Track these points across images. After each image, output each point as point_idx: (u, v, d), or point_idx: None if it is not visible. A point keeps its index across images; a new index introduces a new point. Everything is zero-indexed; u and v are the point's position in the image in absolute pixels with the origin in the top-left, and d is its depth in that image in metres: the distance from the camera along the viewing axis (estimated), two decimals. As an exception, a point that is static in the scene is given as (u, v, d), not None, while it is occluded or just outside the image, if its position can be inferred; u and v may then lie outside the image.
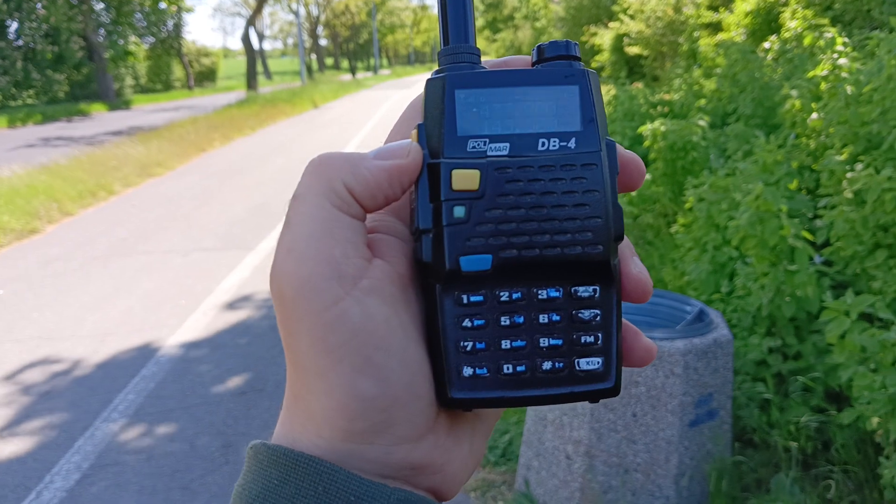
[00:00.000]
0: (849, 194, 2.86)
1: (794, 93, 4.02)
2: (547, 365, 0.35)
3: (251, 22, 31.31)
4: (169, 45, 33.58)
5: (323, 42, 74.51)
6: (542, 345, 0.35)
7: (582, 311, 0.36)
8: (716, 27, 9.32)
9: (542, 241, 0.35)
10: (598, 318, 0.36)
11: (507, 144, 0.35)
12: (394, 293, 0.34)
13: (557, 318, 0.36)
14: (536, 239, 0.35)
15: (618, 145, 0.37)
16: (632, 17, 11.40)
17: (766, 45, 5.97)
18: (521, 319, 0.35)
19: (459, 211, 0.35)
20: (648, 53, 11.18)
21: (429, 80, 0.37)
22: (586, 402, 0.37)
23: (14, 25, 24.04)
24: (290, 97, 22.01)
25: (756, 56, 5.60)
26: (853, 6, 6.24)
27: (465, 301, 0.35)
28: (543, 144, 0.36)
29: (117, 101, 26.52)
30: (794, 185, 3.39)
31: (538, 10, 23.10)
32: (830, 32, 4.65)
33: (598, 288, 0.36)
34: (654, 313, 2.55)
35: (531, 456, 2.55)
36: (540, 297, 0.36)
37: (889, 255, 2.74)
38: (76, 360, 3.96)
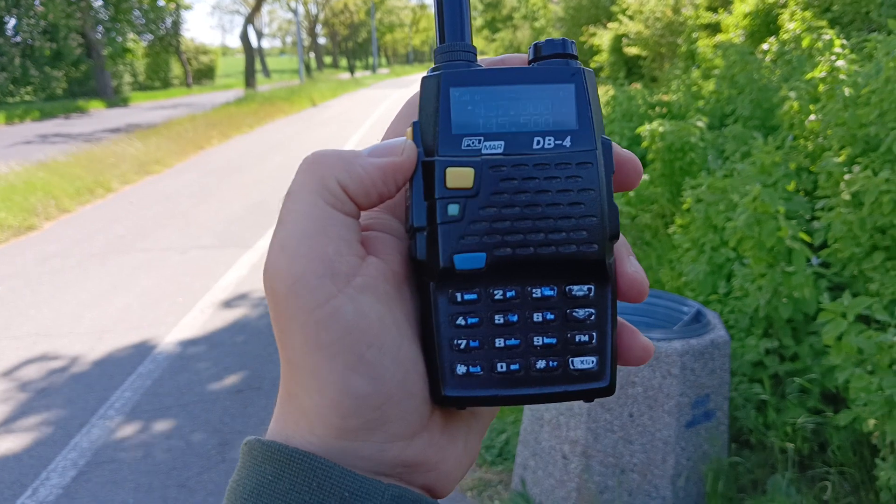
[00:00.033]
0: (846, 196, 2.86)
1: (792, 94, 4.02)
2: (541, 364, 0.35)
3: (250, 20, 31.29)
4: (167, 42, 33.56)
5: (322, 41, 74.53)
6: (536, 343, 0.35)
7: (576, 309, 0.36)
8: (714, 28, 9.31)
9: (536, 239, 0.35)
10: (593, 317, 0.36)
11: (502, 142, 0.35)
12: (388, 291, 0.34)
13: (552, 316, 0.35)
14: (531, 237, 0.35)
15: (614, 144, 0.37)
16: (631, 17, 11.41)
17: (765, 46, 5.96)
18: (516, 318, 0.35)
19: (454, 209, 0.34)
20: (647, 54, 11.19)
21: (424, 78, 0.37)
22: (583, 402, 0.37)
23: (12, 22, 24.04)
24: (289, 95, 22.01)
25: (754, 57, 5.60)
26: (852, 8, 6.25)
27: (459, 299, 0.35)
28: (538, 143, 0.35)
29: (115, 99, 26.51)
30: (791, 186, 3.39)
31: (537, 10, 23.13)
32: (829, 34, 4.66)
33: (592, 287, 0.36)
34: (651, 314, 2.55)
35: (528, 455, 2.55)
36: (534, 295, 0.35)
37: (886, 257, 2.74)
38: (73, 357, 3.96)
